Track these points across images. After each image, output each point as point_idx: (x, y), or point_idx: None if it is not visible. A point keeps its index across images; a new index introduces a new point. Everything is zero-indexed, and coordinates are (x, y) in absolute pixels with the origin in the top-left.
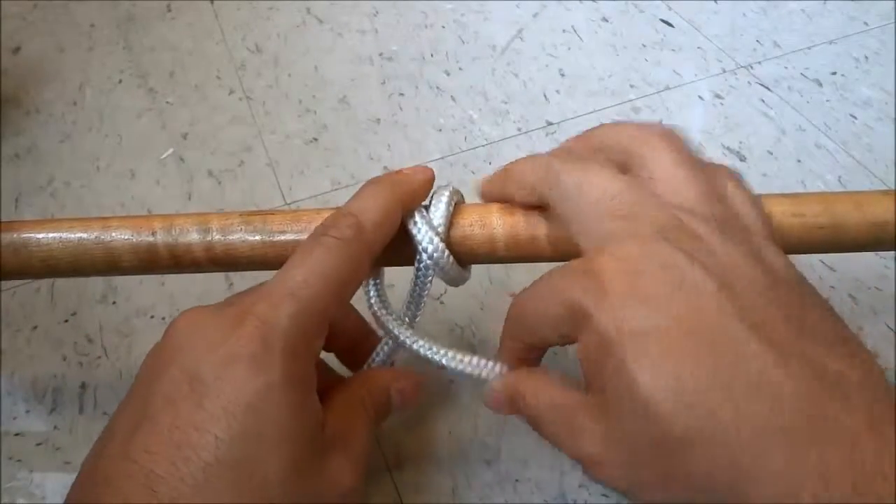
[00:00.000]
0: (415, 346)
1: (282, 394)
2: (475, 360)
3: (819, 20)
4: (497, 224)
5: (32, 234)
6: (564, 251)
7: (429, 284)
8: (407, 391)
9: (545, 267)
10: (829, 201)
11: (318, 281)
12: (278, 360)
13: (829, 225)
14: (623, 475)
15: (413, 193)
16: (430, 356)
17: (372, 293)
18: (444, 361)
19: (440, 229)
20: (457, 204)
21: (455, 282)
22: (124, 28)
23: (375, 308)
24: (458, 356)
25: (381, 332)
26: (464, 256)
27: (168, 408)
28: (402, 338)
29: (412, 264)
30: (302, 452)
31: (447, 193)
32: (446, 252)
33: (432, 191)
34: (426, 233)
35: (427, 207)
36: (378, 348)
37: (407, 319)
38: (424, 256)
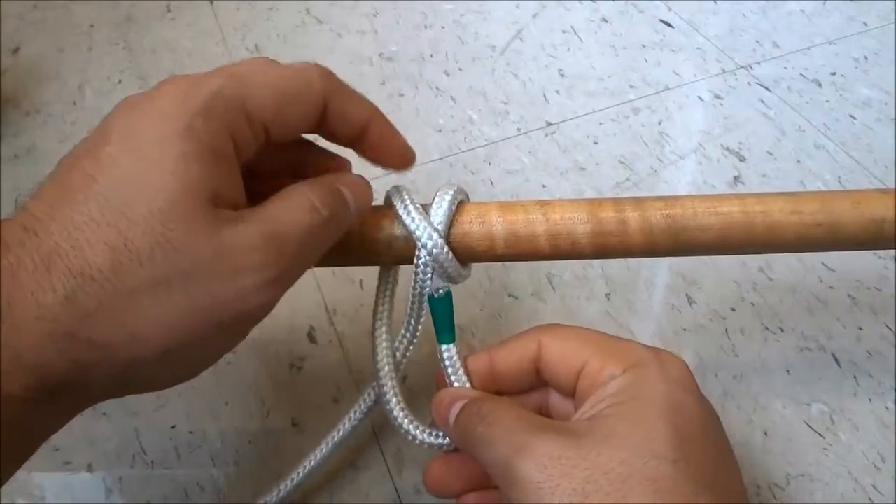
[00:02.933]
0: (387, 405)
1: (176, 145)
2: (432, 432)
3: (818, 21)
4: (496, 221)
5: None
6: (564, 250)
7: (429, 283)
8: (356, 186)
9: (545, 266)
10: (827, 199)
11: (263, 76)
12: (187, 116)
13: (826, 222)
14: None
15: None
16: (394, 416)
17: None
18: (404, 426)
19: (440, 226)
20: (460, 203)
21: (454, 279)
22: (124, 28)
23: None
24: (419, 428)
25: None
26: (463, 253)
27: (71, 161)
28: (382, 383)
29: (412, 262)
30: (182, 206)
31: (451, 192)
32: (445, 248)
33: (437, 189)
34: (425, 229)
35: (428, 206)
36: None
37: (399, 353)
38: (423, 252)
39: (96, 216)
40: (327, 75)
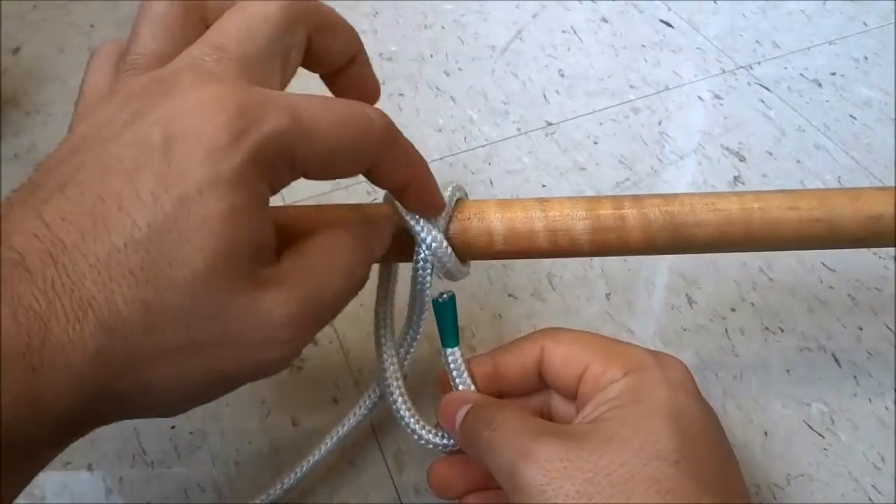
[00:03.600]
0: (393, 405)
1: (225, 198)
2: (437, 432)
3: (818, 21)
4: (495, 217)
5: None
6: (562, 246)
7: (429, 279)
8: (386, 230)
9: (545, 266)
10: (825, 196)
11: (323, 123)
12: (239, 160)
13: (825, 219)
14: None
15: None
16: (401, 416)
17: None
18: (410, 426)
19: (440, 223)
20: (458, 200)
21: (454, 276)
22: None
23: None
24: (425, 428)
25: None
26: (462, 250)
27: (104, 173)
28: (387, 383)
29: (412, 260)
30: (225, 269)
31: (449, 188)
32: (444, 243)
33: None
34: (424, 224)
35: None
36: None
37: (402, 352)
38: (423, 247)
39: (135, 270)
40: (388, 132)
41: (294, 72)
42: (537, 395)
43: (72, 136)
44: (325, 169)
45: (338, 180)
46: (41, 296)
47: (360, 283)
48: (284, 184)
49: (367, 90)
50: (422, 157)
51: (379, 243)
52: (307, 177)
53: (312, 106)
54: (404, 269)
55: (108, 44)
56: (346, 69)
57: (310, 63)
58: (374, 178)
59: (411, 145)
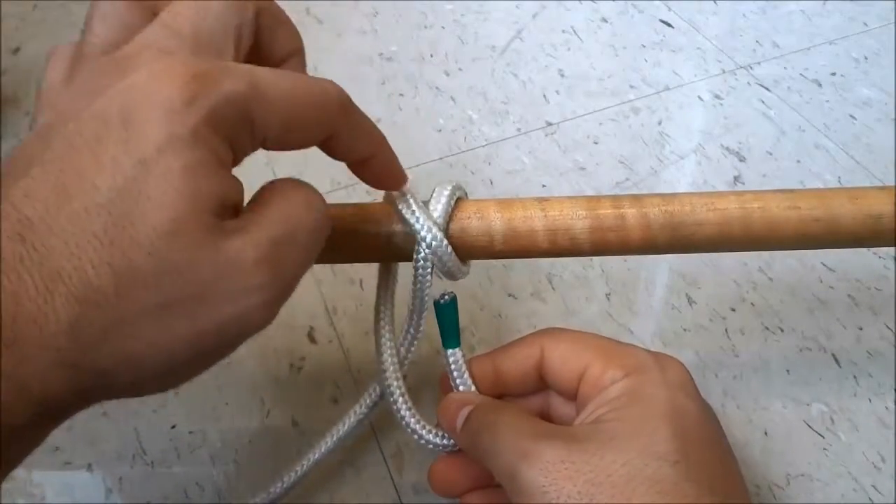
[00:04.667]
0: (394, 405)
1: (182, 155)
2: (438, 432)
3: (818, 21)
4: (495, 217)
5: None
6: (562, 246)
7: (429, 278)
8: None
9: (545, 266)
10: (825, 196)
11: (279, 88)
12: (195, 119)
13: (824, 218)
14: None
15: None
16: (402, 416)
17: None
18: (410, 426)
19: (439, 220)
20: (458, 199)
21: (454, 275)
22: None
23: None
24: (426, 428)
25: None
26: (462, 250)
27: (66, 149)
28: (388, 383)
29: (411, 259)
30: (187, 222)
31: (450, 187)
32: (444, 241)
33: (435, 186)
34: (424, 223)
35: (427, 201)
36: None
37: (402, 351)
38: (423, 246)
39: (100, 234)
40: (345, 102)
41: (245, 53)
42: (537, 395)
43: (36, 126)
44: (284, 135)
45: (336, 180)
46: (11, 273)
47: (325, 218)
48: (245, 148)
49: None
50: (380, 131)
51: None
52: (267, 145)
53: (269, 74)
54: (404, 269)
55: (61, 45)
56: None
57: (254, 54)
58: (332, 149)
59: (369, 119)
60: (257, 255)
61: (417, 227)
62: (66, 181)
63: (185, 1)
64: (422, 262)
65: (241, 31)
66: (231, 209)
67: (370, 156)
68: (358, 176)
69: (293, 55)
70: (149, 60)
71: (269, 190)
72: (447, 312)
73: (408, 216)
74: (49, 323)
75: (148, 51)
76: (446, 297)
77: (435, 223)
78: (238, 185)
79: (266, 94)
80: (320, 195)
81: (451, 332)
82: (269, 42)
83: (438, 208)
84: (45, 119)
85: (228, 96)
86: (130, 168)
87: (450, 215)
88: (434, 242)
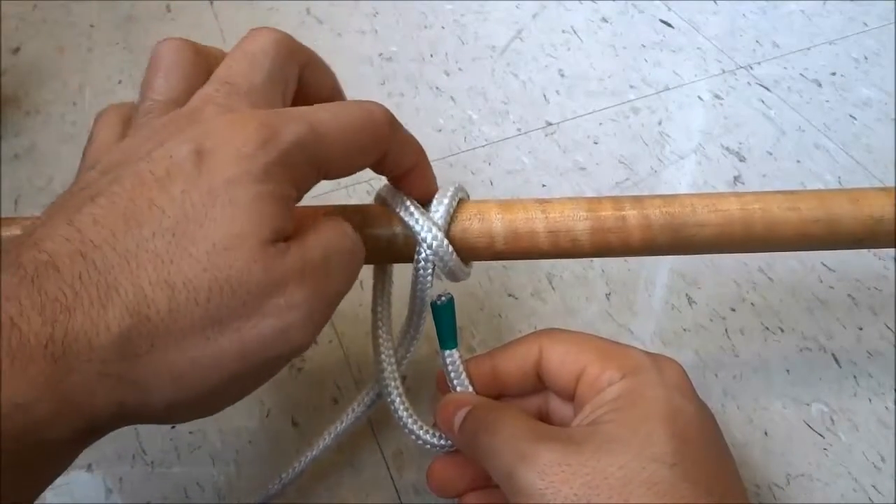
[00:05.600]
0: (391, 405)
1: (251, 187)
2: (435, 432)
3: (818, 21)
4: (496, 218)
5: None
6: (563, 247)
7: (429, 280)
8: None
9: (545, 266)
10: (826, 197)
11: (336, 127)
12: (266, 162)
13: (824, 219)
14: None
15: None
16: (399, 416)
17: (381, 308)
18: (408, 426)
19: (441, 221)
20: (460, 200)
21: (456, 276)
22: (124, 28)
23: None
24: (423, 428)
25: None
26: (463, 251)
27: (136, 183)
28: (385, 383)
29: (411, 261)
30: (244, 244)
31: (452, 189)
32: (446, 242)
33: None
34: (425, 223)
35: (428, 203)
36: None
37: (401, 351)
38: (424, 247)
39: (161, 253)
40: (391, 122)
41: (290, 101)
42: (535, 395)
43: (93, 167)
44: (345, 165)
45: (338, 180)
46: (68, 289)
47: (359, 245)
48: (310, 185)
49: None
50: (419, 143)
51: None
52: (328, 176)
53: (323, 112)
54: (399, 270)
55: (114, 105)
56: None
57: (299, 97)
58: (382, 167)
59: (410, 133)
60: (301, 275)
61: (418, 228)
62: (134, 210)
63: (238, 55)
64: (422, 262)
65: (287, 83)
66: (285, 238)
67: (413, 168)
68: (395, 185)
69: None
70: (216, 113)
71: (308, 220)
72: (444, 313)
73: (407, 218)
74: (99, 334)
75: (212, 104)
76: (443, 298)
77: (436, 224)
78: (293, 222)
79: (326, 133)
80: (351, 227)
81: (448, 334)
82: (313, 83)
83: (441, 209)
84: (112, 156)
85: (295, 141)
86: (199, 197)
87: (451, 216)
88: (435, 243)
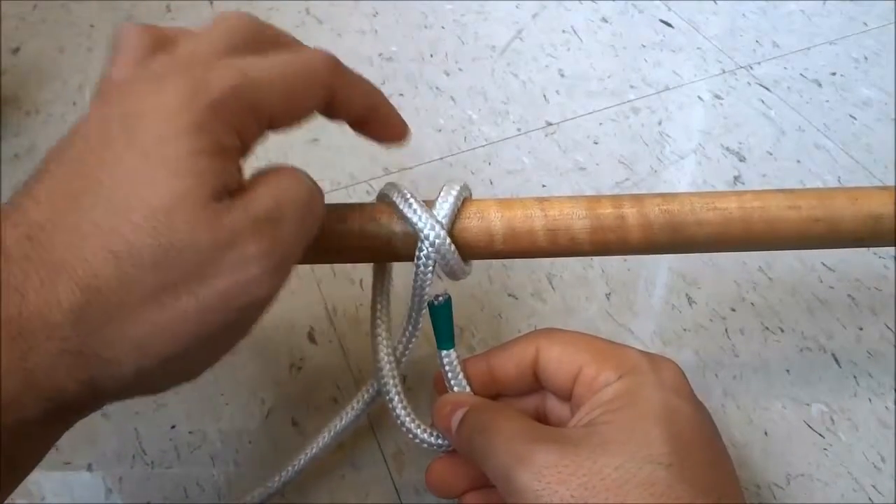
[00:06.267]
0: (389, 404)
1: (184, 143)
2: (433, 432)
3: (818, 21)
4: (495, 217)
5: None
6: (562, 245)
7: (430, 278)
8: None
9: (545, 266)
10: (825, 195)
11: (271, 71)
12: (196, 114)
13: (825, 218)
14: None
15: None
16: (397, 415)
17: (380, 307)
18: (406, 425)
19: (444, 220)
20: (464, 200)
21: (457, 275)
22: None
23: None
24: (420, 427)
25: (373, 361)
26: (462, 250)
27: (74, 157)
28: (384, 382)
29: (411, 259)
30: (186, 204)
31: (458, 187)
32: (448, 240)
33: (442, 185)
34: (427, 221)
35: (429, 201)
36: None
37: (400, 350)
38: (426, 244)
39: (101, 222)
40: (333, 65)
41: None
42: (532, 395)
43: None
44: (286, 110)
45: (337, 180)
46: (18, 270)
47: (316, 192)
48: (253, 133)
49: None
50: (376, 87)
51: None
52: (274, 124)
53: (256, 59)
54: (398, 269)
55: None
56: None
57: (328, 114)
58: (333, 112)
59: (363, 77)
60: (253, 227)
61: (420, 225)
62: (73, 183)
63: (187, 34)
64: (423, 260)
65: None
66: (230, 194)
67: (369, 110)
68: (363, 134)
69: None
70: (147, 79)
71: (260, 173)
72: (442, 314)
73: (410, 215)
74: (53, 312)
75: (146, 72)
76: (440, 298)
77: (438, 222)
78: (239, 170)
79: (260, 78)
80: (307, 174)
81: (445, 334)
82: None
83: (444, 208)
84: (50, 152)
85: (225, 87)
86: (132, 159)
87: (454, 215)
88: (437, 241)
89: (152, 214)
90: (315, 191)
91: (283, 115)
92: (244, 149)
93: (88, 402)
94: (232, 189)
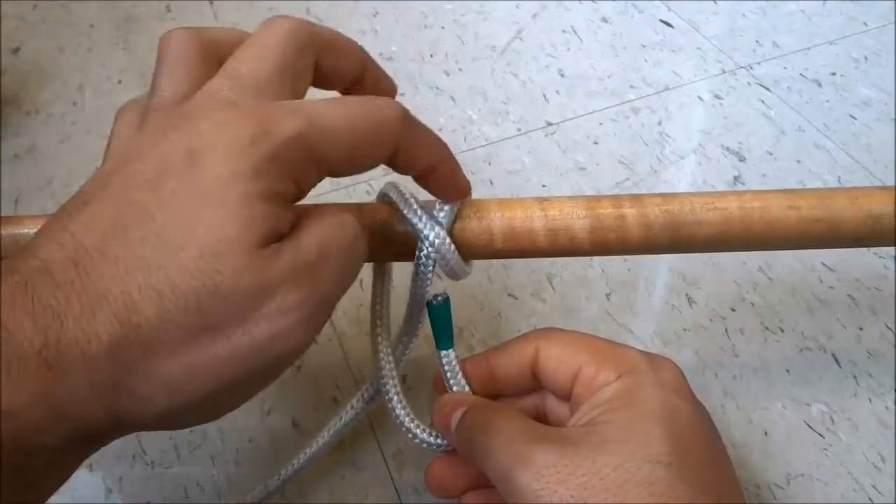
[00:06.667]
0: (389, 403)
1: (242, 187)
2: (433, 432)
3: (818, 21)
4: (495, 216)
5: (31, 230)
6: (562, 245)
7: (430, 277)
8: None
9: (545, 266)
10: (825, 195)
11: (338, 120)
12: (257, 159)
13: (825, 218)
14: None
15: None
16: (396, 415)
17: (380, 307)
18: (405, 425)
19: (444, 220)
20: (464, 199)
21: (457, 274)
22: (124, 28)
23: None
24: (420, 427)
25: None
26: (462, 249)
27: (128, 186)
28: (384, 381)
29: (411, 259)
30: (234, 248)
31: None
32: (448, 240)
33: None
34: (427, 221)
35: (430, 201)
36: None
37: (399, 350)
38: (426, 244)
39: (149, 259)
40: (404, 119)
41: (305, 92)
42: (532, 395)
43: (100, 169)
44: (349, 162)
45: (337, 180)
46: (60, 295)
47: (360, 238)
48: (311, 180)
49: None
50: (443, 141)
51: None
52: (334, 173)
53: (325, 106)
54: (398, 270)
55: (132, 100)
56: (360, 81)
57: (322, 83)
58: (398, 165)
59: (431, 130)
60: (294, 277)
61: (420, 225)
62: (124, 213)
63: (247, 49)
64: (424, 260)
65: (300, 76)
66: (278, 238)
67: (435, 166)
68: (423, 186)
69: (363, 70)
70: (213, 108)
71: (304, 215)
72: (440, 313)
73: (410, 215)
74: (90, 343)
75: (212, 100)
76: (439, 297)
77: (438, 223)
78: (289, 220)
79: (326, 128)
80: (353, 217)
81: (444, 334)
82: (334, 69)
83: (446, 208)
84: (111, 161)
85: (290, 136)
86: (188, 198)
87: (455, 214)
88: (437, 241)
89: (201, 256)
90: (359, 235)
91: (345, 165)
92: (300, 195)
93: (115, 434)
94: (281, 234)
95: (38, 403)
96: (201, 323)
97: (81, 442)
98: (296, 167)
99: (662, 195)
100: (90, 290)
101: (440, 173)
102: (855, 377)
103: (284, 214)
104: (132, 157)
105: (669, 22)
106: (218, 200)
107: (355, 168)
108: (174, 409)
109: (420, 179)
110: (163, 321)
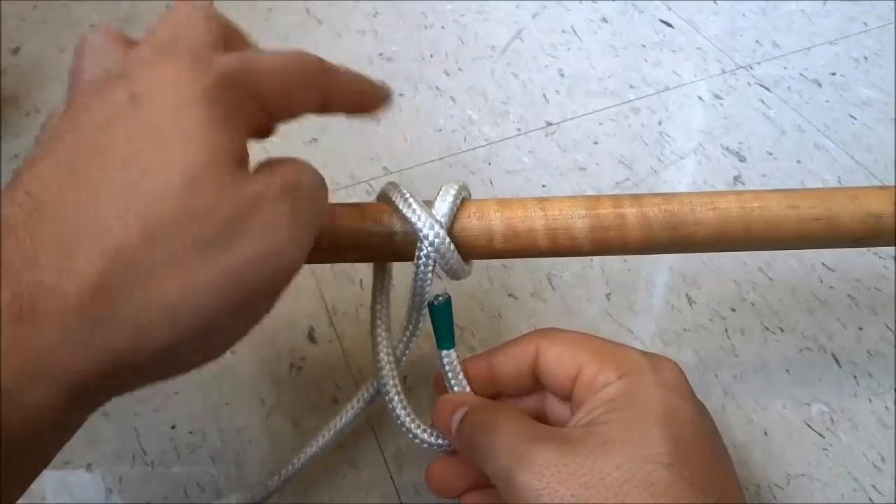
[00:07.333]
0: (389, 404)
1: (197, 112)
2: (433, 432)
3: (818, 21)
4: (495, 216)
5: None
6: (562, 245)
7: (430, 277)
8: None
9: (545, 266)
10: (825, 195)
11: (270, 63)
12: (204, 86)
13: (824, 217)
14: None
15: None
16: (396, 415)
17: (380, 306)
18: (406, 425)
19: (443, 219)
20: (463, 199)
21: (457, 274)
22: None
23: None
24: (420, 427)
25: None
26: (462, 249)
27: (78, 137)
28: (384, 381)
29: (411, 259)
30: (210, 167)
31: (456, 187)
32: (447, 239)
33: (441, 185)
34: (426, 220)
35: (429, 201)
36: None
37: (399, 349)
38: (426, 244)
39: (119, 193)
40: (326, 66)
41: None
42: (532, 395)
43: (47, 124)
44: (286, 102)
45: (336, 180)
46: (28, 245)
47: (321, 178)
48: (255, 119)
49: (374, 102)
50: (358, 73)
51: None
52: (273, 114)
53: (256, 50)
54: (398, 270)
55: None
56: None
57: (324, 111)
58: (330, 107)
59: (346, 68)
60: (273, 195)
61: (420, 225)
62: (79, 161)
63: (159, 23)
64: (423, 260)
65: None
66: (246, 166)
67: (360, 98)
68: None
69: (362, 93)
70: (149, 58)
71: (266, 161)
72: (441, 314)
73: (409, 215)
74: (71, 282)
75: (141, 56)
76: (440, 298)
77: (438, 222)
78: (248, 154)
79: (258, 63)
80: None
81: (445, 334)
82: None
83: (444, 207)
84: (45, 134)
85: (227, 70)
86: (147, 134)
87: (454, 215)
88: (437, 241)
89: (175, 182)
90: (322, 179)
91: (281, 109)
92: (248, 132)
93: (106, 388)
94: (247, 162)
95: (9, 360)
96: (189, 242)
97: (81, 393)
98: (240, 99)
99: (662, 195)
100: (59, 235)
101: (365, 98)
102: (855, 377)
103: (244, 139)
104: (72, 118)
105: (669, 22)
106: (178, 130)
107: (292, 108)
108: (176, 342)
109: (352, 114)
110: (148, 245)
